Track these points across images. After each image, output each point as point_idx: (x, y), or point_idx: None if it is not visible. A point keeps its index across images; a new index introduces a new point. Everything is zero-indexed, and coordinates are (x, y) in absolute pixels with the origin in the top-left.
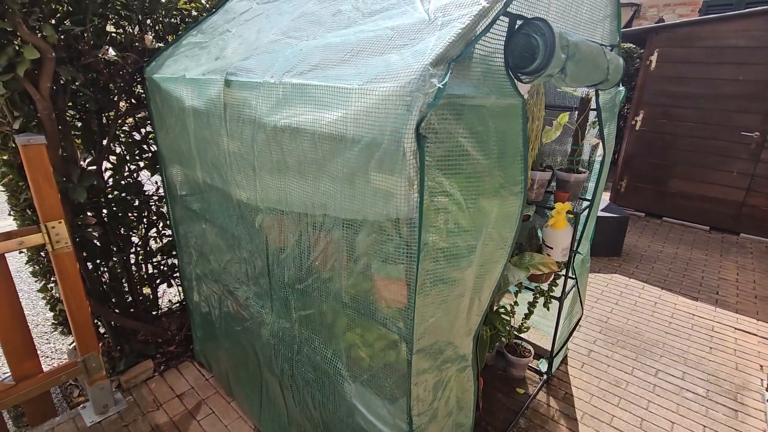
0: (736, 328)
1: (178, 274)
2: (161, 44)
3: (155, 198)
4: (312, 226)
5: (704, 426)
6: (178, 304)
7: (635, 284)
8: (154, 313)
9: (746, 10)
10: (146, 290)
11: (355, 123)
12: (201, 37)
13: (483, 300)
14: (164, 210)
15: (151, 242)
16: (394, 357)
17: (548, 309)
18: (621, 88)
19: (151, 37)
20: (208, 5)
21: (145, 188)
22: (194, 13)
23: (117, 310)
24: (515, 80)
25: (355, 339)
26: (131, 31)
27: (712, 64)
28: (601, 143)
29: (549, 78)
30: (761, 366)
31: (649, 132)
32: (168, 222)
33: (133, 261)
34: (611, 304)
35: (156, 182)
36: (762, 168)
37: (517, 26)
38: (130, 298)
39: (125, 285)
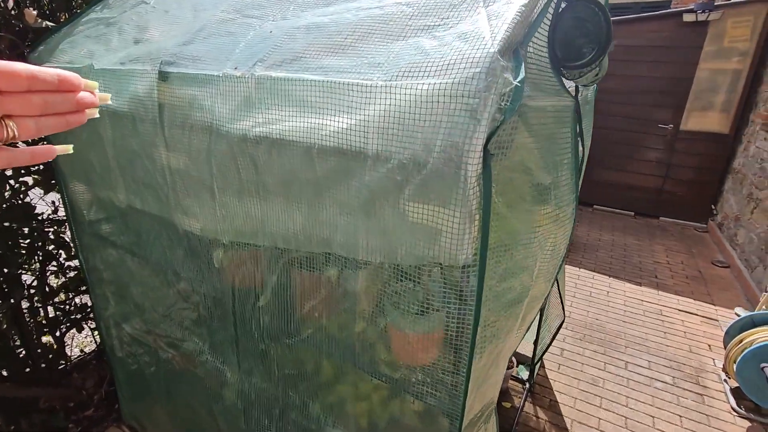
0: (679, 310)
1: (91, 315)
2: (50, 23)
3: (53, 222)
4: (307, 266)
5: (680, 416)
6: (93, 353)
7: (586, 274)
8: (60, 367)
9: (659, 12)
10: (47, 339)
11: (381, 134)
12: (108, 13)
13: (520, 338)
14: (67, 236)
15: (51, 278)
16: (428, 428)
17: None
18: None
19: (33, 12)
20: None
21: (37, 211)
22: None
23: (4, 373)
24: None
25: (364, 407)
26: (2, 5)
27: (631, 61)
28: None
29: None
30: (709, 346)
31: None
32: (72, 252)
33: (26, 305)
34: (570, 298)
35: (54, 202)
36: (676, 157)
37: (562, 8)
38: (24, 353)
39: (15, 338)
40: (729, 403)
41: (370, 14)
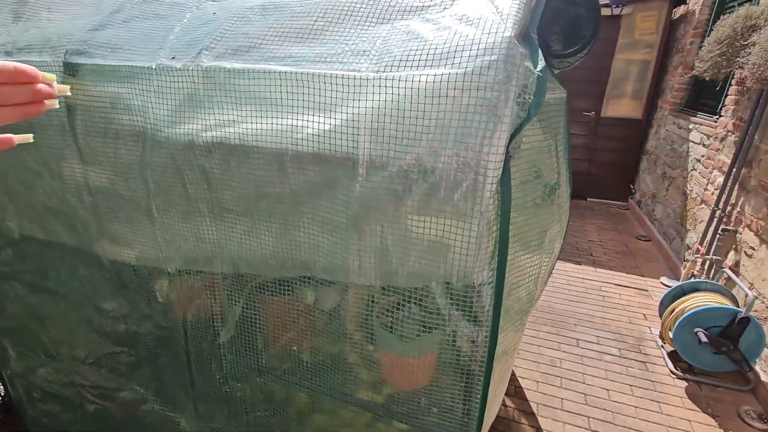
0: (615, 284)
1: None
2: None
3: None
4: (279, 291)
5: (630, 385)
6: None
7: None
8: None
9: None
10: None
11: (374, 136)
12: None
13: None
14: None
15: None
16: None
17: None
18: None
19: None
20: None
21: None
22: None
23: None
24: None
25: None
26: None
27: None
28: None
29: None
30: (644, 315)
31: None
32: None
33: None
34: None
35: None
36: (599, 142)
37: None
38: None
39: None
40: (668, 366)
41: None
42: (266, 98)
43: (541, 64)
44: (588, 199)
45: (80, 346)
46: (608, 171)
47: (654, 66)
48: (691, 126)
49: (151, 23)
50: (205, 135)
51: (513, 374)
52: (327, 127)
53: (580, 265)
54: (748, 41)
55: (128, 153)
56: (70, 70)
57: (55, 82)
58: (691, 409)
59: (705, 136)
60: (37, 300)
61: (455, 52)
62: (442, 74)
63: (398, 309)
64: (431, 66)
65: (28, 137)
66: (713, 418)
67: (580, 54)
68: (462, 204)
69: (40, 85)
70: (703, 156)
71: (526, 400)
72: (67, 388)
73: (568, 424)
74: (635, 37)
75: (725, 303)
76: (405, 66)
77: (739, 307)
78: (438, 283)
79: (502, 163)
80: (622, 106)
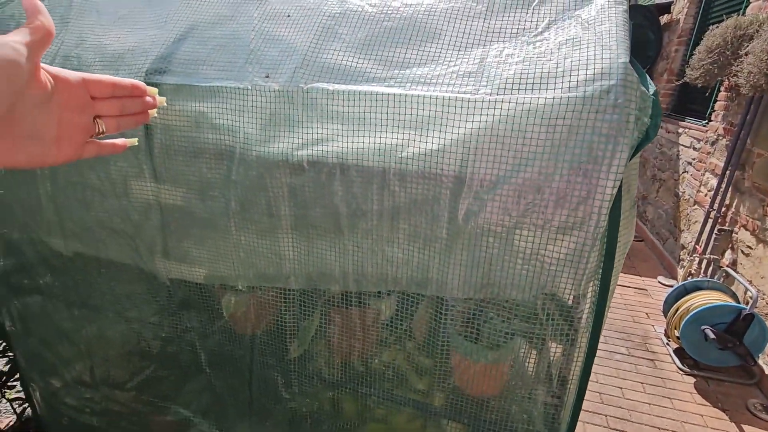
0: (616, 284)
1: (6, 384)
2: None
3: None
4: (355, 302)
5: (641, 383)
6: (12, 426)
7: None
8: None
9: None
10: None
11: (483, 155)
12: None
13: None
14: None
15: None
16: None
17: None
18: None
19: None
20: None
21: None
22: None
23: None
24: None
25: None
26: None
27: None
28: None
29: None
30: (647, 314)
31: None
32: None
33: None
34: None
35: None
36: None
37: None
38: None
39: None
40: (675, 363)
41: (430, 9)
42: (368, 118)
43: (653, 87)
44: None
45: (122, 366)
46: None
47: None
48: (680, 130)
49: (223, 29)
50: (299, 153)
51: None
52: (434, 146)
53: None
54: (741, 50)
55: (209, 171)
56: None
57: (157, 95)
58: (702, 404)
59: (695, 140)
60: (80, 320)
61: (565, 75)
62: (555, 97)
63: (477, 317)
64: (542, 89)
65: (134, 141)
66: (723, 411)
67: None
68: (572, 220)
69: (147, 97)
70: (694, 159)
71: None
72: (100, 411)
73: (588, 423)
74: None
75: (728, 300)
76: (516, 89)
77: (739, 303)
78: (539, 295)
79: (619, 182)
80: None
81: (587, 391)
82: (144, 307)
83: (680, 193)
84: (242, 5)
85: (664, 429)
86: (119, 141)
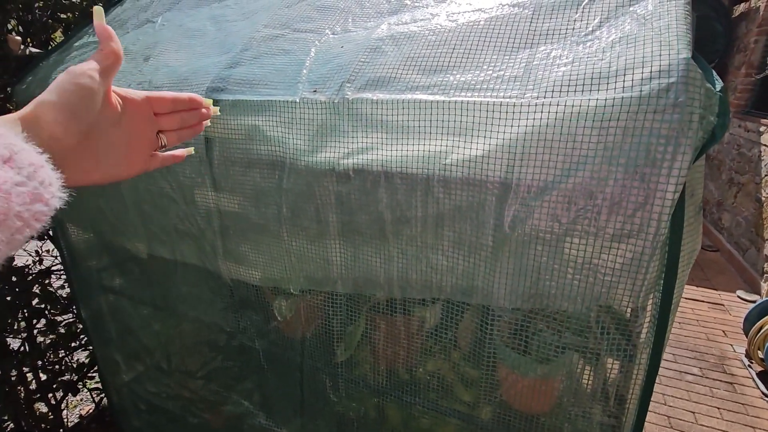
0: (687, 298)
1: (89, 375)
2: (36, 49)
3: (38, 273)
4: (401, 309)
5: (718, 408)
6: (91, 416)
7: None
8: None
9: None
10: (38, 407)
11: (530, 160)
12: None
13: None
14: (52, 289)
15: (38, 337)
16: None
17: None
18: None
19: (17, 38)
20: None
21: (15, 262)
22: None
23: None
24: None
25: None
26: None
27: None
28: None
29: None
30: (724, 332)
31: None
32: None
33: (14, 373)
34: None
35: (37, 251)
36: None
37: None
38: (13, 426)
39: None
40: (759, 388)
41: (470, 19)
42: (412, 126)
43: (719, 84)
44: None
45: (192, 360)
46: None
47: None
48: (761, 128)
49: (281, 58)
50: (345, 162)
51: None
52: (479, 152)
53: None
54: None
55: (263, 180)
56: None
57: (211, 106)
58: None
59: None
60: (152, 315)
61: (618, 75)
62: (608, 98)
63: (525, 328)
64: (592, 90)
65: (191, 150)
66: None
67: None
68: (628, 228)
69: (203, 109)
70: None
71: None
72: (170, 401)
73: None
74: None
75: None
76: (564, 91)
77: None
78: (592, 307)
79: (681, 187)
80: None
81: (654, 414)
82: (211, 304)
83: (763, 198)
84: (301, 40)
85: None
86: (179, 152)
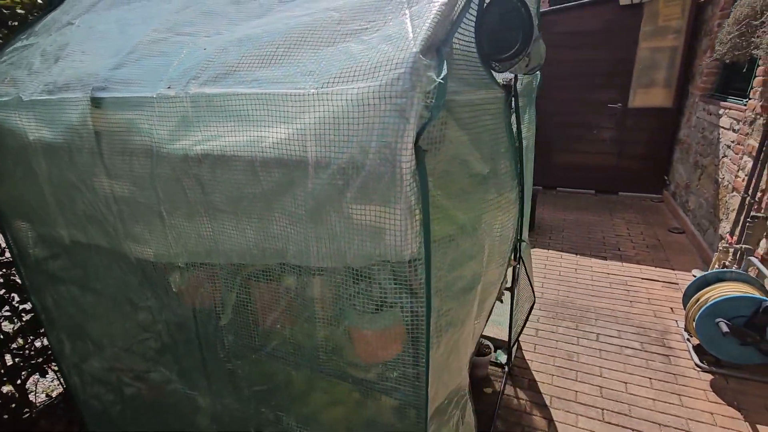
0: (642, 278)
1: (53, 358)
2: None
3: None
4: (263, 278)
5: (650, 378)
6: (59, 396)
7: (554, 254)
8: (25, 416)
9: None
10: (8, 389)
11: (318, 141)
12: (34, 39)
13: (481, 324)
14: (17, 278)
15: (5, 324)
16: (398, 422)
17: (501, 301)
18: (537, 72)
19: None
20: (41, 0)
21: None
22: (20, 11)
23: None
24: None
25: (339, 412)
26: None
27: (577, 47)
28: (525, 129)
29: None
30: (671, 308)
31: (537, 113)
32: (25, 294)
33: None
34: (541, 279)
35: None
36: (628, 134)
37: (486, 3)
38: None
39: None
40: (693, 360)
41: (299, 22)
42: (238, 115)
43: (444, 72)
44: (619, 193)
45: (117, 335)
46: (640, 163)
47: (682, 52)
48: (721, 111)
49: (157, 60)
50: (195, 149)
51: (527, 369)
52: (284, 136)
53: (606, 260)
54: (761, 20)
55: (141, 167)
56: (95, 104)
57: None
58: (715, 402)
59: (735, 121)
60: (83, 296)
61: (377, 67)
62: (366, 86)
63: (360, 291)
64: (359, 80)
65: None
66: (739, 411)
67: (515, 59)
68: (387, 192)
69: None
70: (733, 142)
71: (540, 393)
72: (109, 373)
73: (581, 415)
74: (659, 24)
75: (752, 292)
76: (339, 82)
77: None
78: (380, 261)
79: (414, 156)
80: (650, 95)
81: (588, 385)
82: (126, 282)
83: (720, 180)
84: (179, 43)
85: (666, 426)
86: None
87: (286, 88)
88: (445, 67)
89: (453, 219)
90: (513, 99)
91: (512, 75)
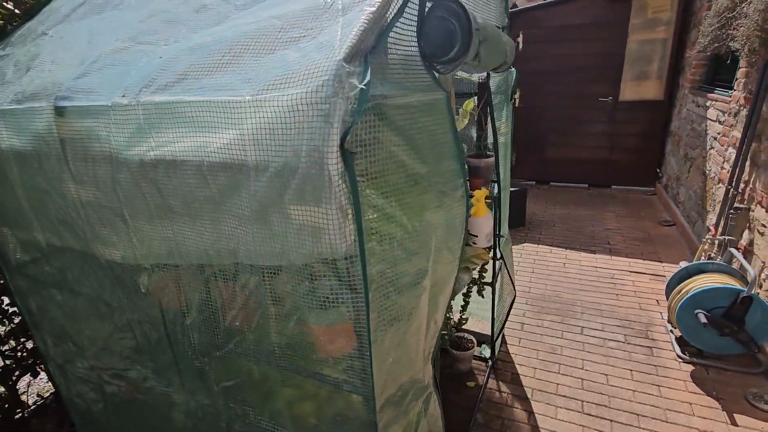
0: (630, 272)
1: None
2: None
3: None
4: (221, 278)
5: (631, 370)
6: (51, 396)
7: (544, 249)
8: (17, 416)
9: None
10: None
11: (256, 145)
12: (10, 50)
13: (438, 320)
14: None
15: None
16: (351, 412)
17: (482, 296)
18: (512, 69)
19: None
20: (18, 11)
21: None
22: None
23: None
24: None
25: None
26: None
27: (566, 41)
28: (502, 125)
29: (463, 65)
30: (657, 301)
31: (526, 108)
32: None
33: None
34: (529, 274)
35: None
36: (619, 127)
37: (427, 9)
38: None
39: None
40: (675, 351)
41: (245, 30)
42: (186, 122)
43: (367, 79)
44: (612, 187)
45: (95, 335)
46: (632, 156)
47: (672, 43)
48: (708, 103)
49: (117, 69)
50: (150, 154)
51: (511, 362)
52: (226, 141)
53: (595, 254)
54: (736, 11)
55: (103, 173)
56: (58, 112)
57: None
58: (694, 393)
59: (720, 113)
60: (63, 298)
61: (307, 74)
62: (297, 93)
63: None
64: (291, 87)
65: None
66: (717, 401)
67: (457, 62)
68: (319, 193)
69: None
70: (719, 133)
71: (522, 385)
72: (90, 372)
73: (561, 407)
74: (648, 16)
75: (732, 283)
76: (273, 89)
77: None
78: (320, 259)
79: (341, 158)
80: (641, 88)
81: (569, 378)
82: (99, 284)
83: (707, 172)
84: (140, 52)
85: (644, 416)
86: None
87: (227, 96)
88: (368, 73)
89: (392, 217)
90: (487, 96)
91: (481, 74)
